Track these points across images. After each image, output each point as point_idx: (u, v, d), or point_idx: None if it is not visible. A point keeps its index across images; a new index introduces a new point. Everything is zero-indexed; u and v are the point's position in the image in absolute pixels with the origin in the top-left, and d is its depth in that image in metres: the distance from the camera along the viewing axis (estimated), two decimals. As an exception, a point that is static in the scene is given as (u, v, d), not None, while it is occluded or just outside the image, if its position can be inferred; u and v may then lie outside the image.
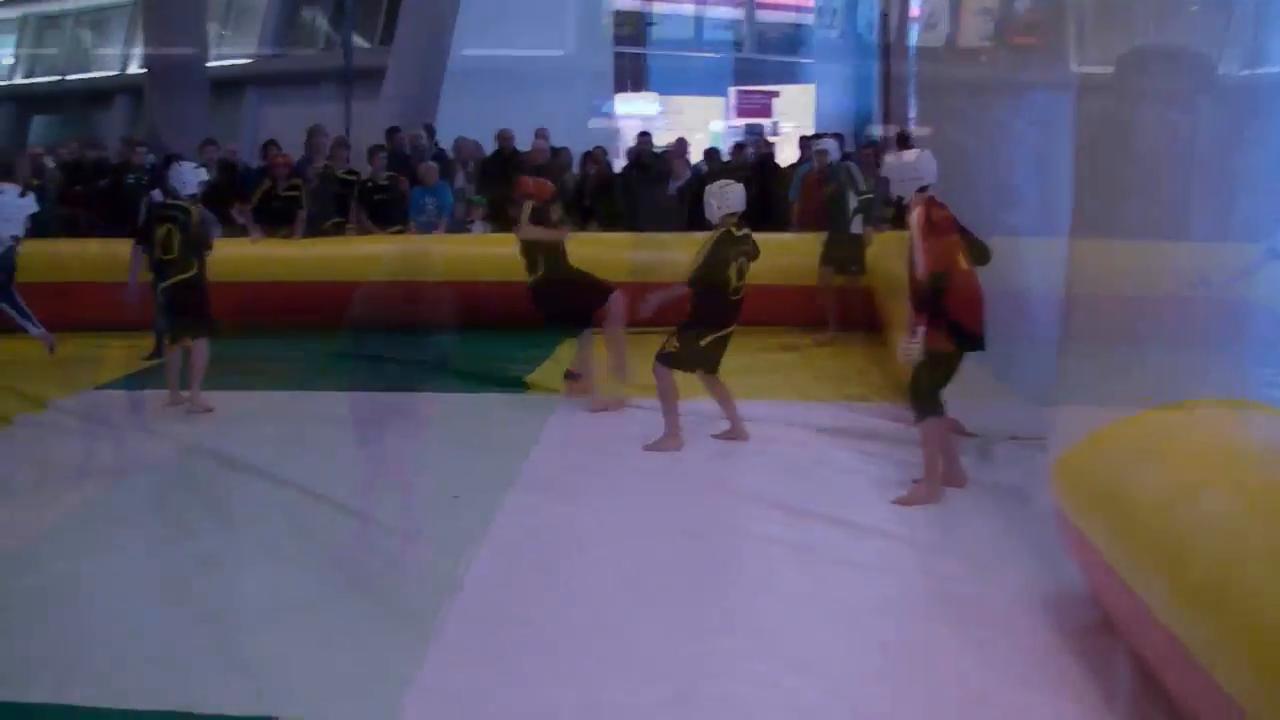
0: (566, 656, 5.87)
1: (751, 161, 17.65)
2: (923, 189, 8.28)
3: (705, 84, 35.81)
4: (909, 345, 8.03)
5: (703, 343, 9.63)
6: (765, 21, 37.93)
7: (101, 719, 5.35)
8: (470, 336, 13.43)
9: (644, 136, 17.92)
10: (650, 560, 7.12)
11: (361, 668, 5.78)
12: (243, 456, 9.32)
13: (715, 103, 35.35)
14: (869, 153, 16.55)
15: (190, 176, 11.07)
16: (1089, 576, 5.99)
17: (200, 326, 10.94)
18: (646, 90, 35.13)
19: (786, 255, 14.25)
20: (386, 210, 15.56)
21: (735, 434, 9.82)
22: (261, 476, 8.87)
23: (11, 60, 40.88)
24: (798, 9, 38.41)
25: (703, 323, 9.66)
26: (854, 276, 13.80)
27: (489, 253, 14.42)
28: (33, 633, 6.29)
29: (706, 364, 9.78)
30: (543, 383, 11.61)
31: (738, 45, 37.22)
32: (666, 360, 9.65)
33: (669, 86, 35.30)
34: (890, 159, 9.35)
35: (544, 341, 13.00)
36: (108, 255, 13.89)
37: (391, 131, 18.07)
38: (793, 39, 39.05)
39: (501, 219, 15.64)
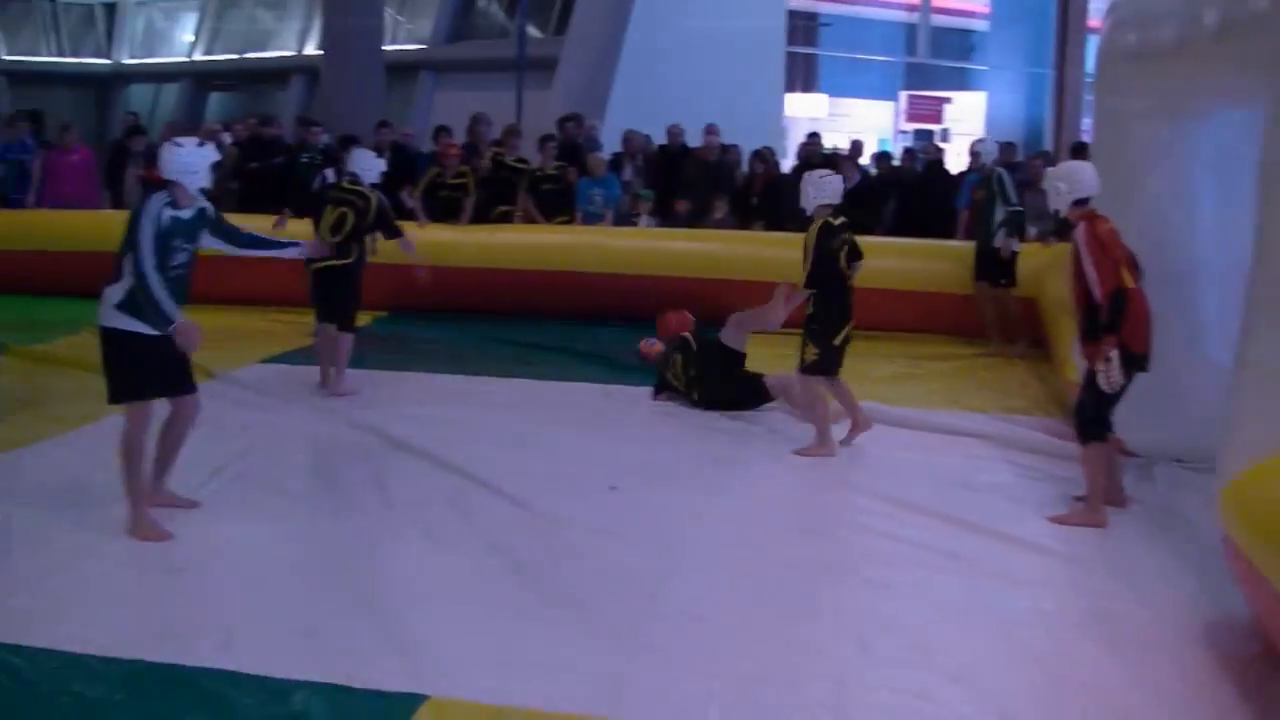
0: (722, 650, 5.88)
1: (921, 167, 17.57)
2: (1081, 202, 8.04)
3: (876, 87, 35.68)
4: (1108, 371, 7.76)
5: (836, 342, 9.55)
6: (939, 26, 37.65)
7: (259, 686, 5.44)
8: (633, 329, 13.51)
9: (813, 137, 17.89)
10: (805, 562, 7.12)
11: (517, 651, 5.84)
12: (406, 437, 9.43)
13: (885, 106, 35.19)
14: (1038, 163, 16.38)
15: (373, 165, 11.15)
16: (1256, 607, 5.88)
17: (346, 317, 11.02)
18: (816, 91, 35.06)
19: (947, 263, 14.18)
20: (554, 200, 15.66)
21: (860, 425, 9.78)
22: (424, 458, 8.97)
23: (191, 38, 41.69)
24: (971, 14, 38.10)
25: (830, 321, 9.53)
26: (1004, 290, 13.59)
27: (656, 247, 14.50)
28: (193, 597, 6.43)
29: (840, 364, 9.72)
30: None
31: (910, 49, 37.00)
32: (813, 370, 9.57)
33: (839, 88, 35.21)
34: (1049, 170, 9.19)
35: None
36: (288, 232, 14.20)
37: (564, 121, 18.18)
38: (966, 44, 38.75)
39: (668, 213, 15.72)
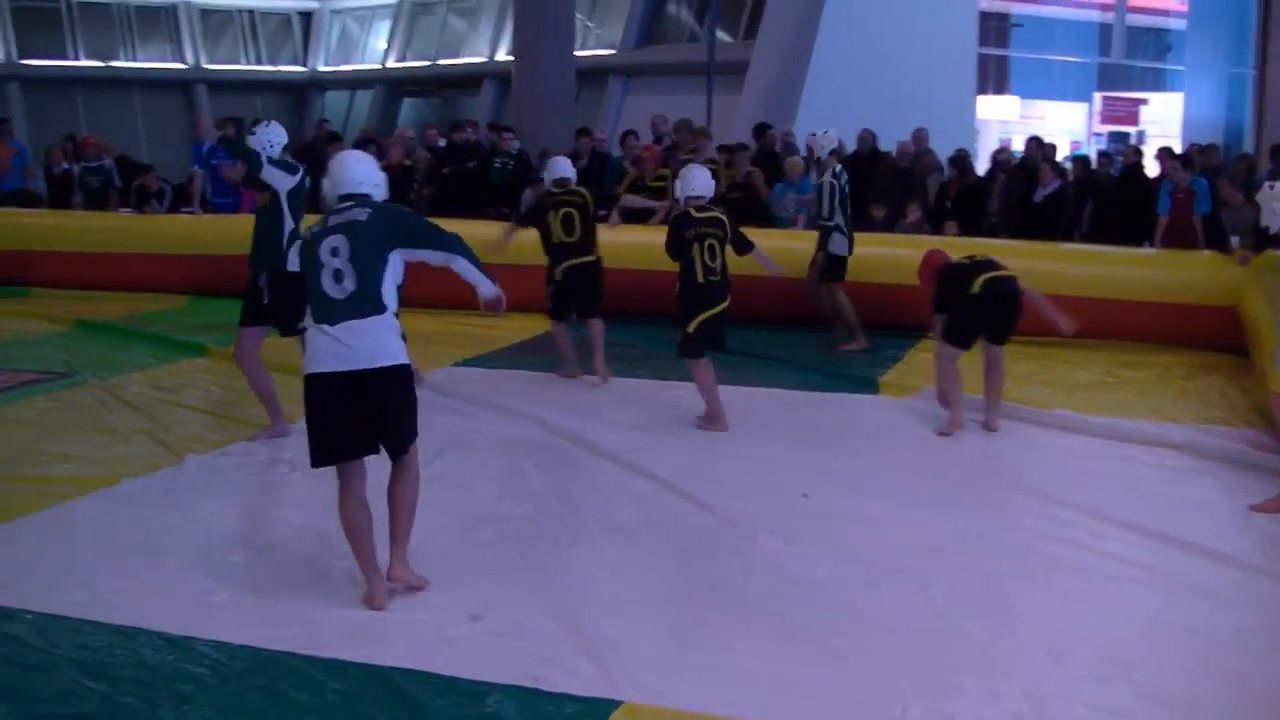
0: (913, 661, 5.87)
1: (1117, 171, 17.30)
2: None
3: (1068, 89, 35.20)
4: None
5: (690, 328, 10.08)
6: (1135, 25, 37.02)
7: (451, 687, 5.54)
8: (821, 333, 13.52)
9: (1008, 142, 17.73)
10: (997, 573, 7.06)
11: (707, 658, 5.87)
12: (599, 441, 9.53)
13: (1078, 108, 34.69)
14: (1241, 168, 16.05)
15: (568, 168, 11.67)
16: None
17: (596, 306, 11.52)
18: (1008, 93, 34.68)
19: (1143, 270, 13.97)
20: (742, 206, 15.70)
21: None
22: (616, 462, 9.06)
23: (385, 45, 42.39)
24: (1168, 13, 37.41)
25: (686, 306, 10.10)
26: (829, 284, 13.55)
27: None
28: (389, 594, 6.54)
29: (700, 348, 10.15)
30: (895, 384, 11.56)
31: (1105, 50, 36.43)
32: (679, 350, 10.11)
33: (1031, 90, 34.79)
34: (1265, 187, 9.00)
35: (896, 343, 12.99)
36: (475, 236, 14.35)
37: (761, 128, 18.21)
38: (1162, 44, 38.06)
39: (861, 218, 15.65)
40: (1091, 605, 6.66)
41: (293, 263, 9.15)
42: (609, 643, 5.96)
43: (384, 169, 16.48)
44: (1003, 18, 35.29)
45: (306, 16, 45.12)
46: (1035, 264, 13.81)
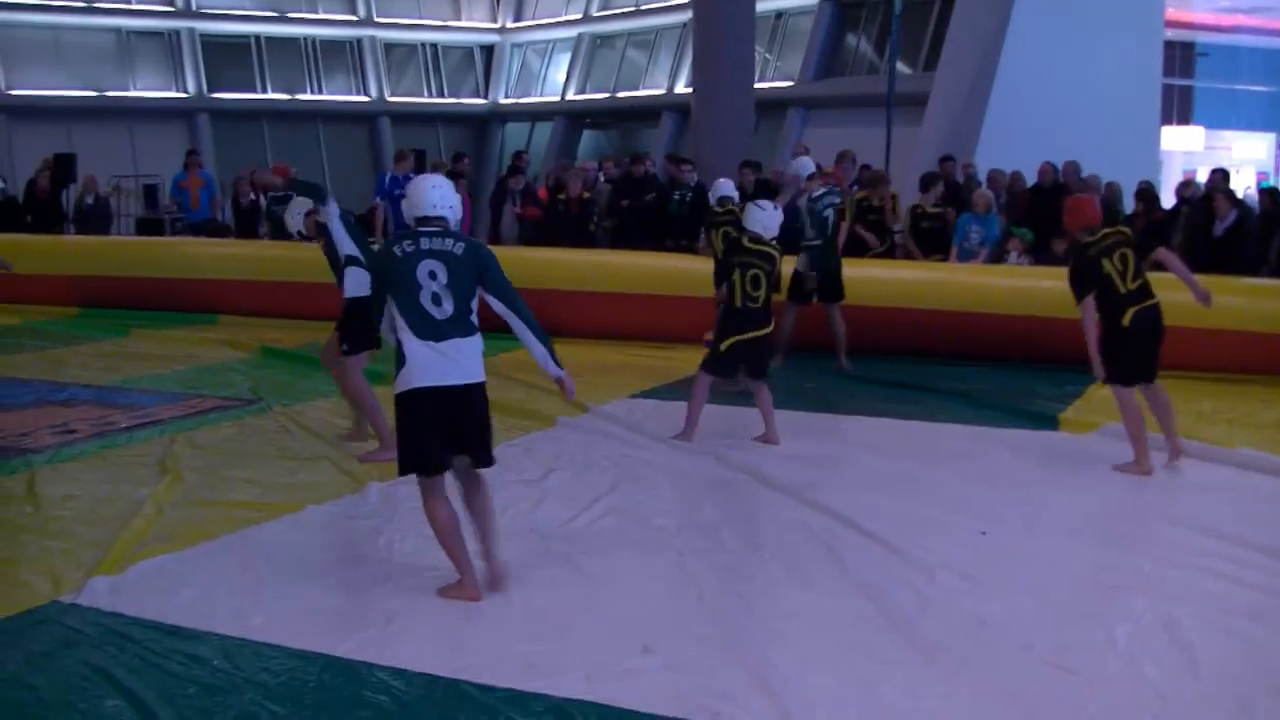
0: (1091, 705, 5.77)
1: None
2: None
3: (1255, 118, 34.55)
4: None
5: (722, 347, 10.47)
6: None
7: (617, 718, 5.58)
8: (1000, 369, 13.39)
9: (1192, 174, 17.47)
10: (1180, 616, 6.86)
11: (882, 696, 5.82)
12: (773, 474, 9.51)
13: (1264, 138, 34.03)
14: None
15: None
16: None
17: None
18: (1193, 123, 34.12)
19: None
20: (931, 238, 15.70)
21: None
22: (791, 496, 9.02)
23: (565, 78, 42.82)
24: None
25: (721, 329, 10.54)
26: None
27: (1031, 286, 14.27)
28: (559, 629, 6.58)
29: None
30: (1076, 420, 11.40)
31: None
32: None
33: (1216, 120, 34.21)
34: None
35: (1076, 379, 12.82)
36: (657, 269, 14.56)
37: (944, 160, 18.16)
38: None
39: (1043, 252, 15.52)
40: (1274, 651, 6.50)
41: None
42: (784, 679, 5.93)
43: (563, 202, 16.86)
44: (1188, 47, 34.75)
45: (488, 50, 45.80)
46: (1218, 298, 13.60)
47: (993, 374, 13.28)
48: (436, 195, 7.02)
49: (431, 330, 6.79)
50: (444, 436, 6.90)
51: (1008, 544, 8.11)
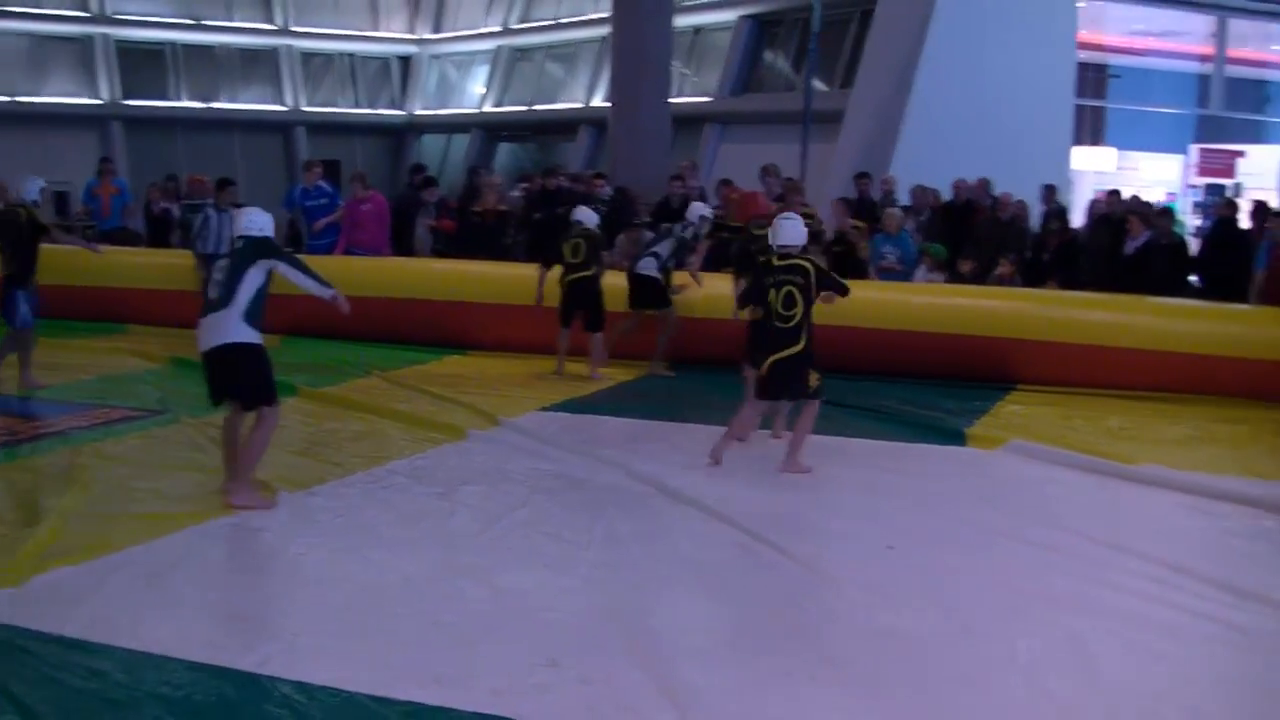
0: (998, 715, 5.83)
1: (1211, 224, 17.15)
2: None
3: (1165, 140, 34.91)
4: None
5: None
6: (1234, 76, 36.69)
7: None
8: (906, 385, 13.47)
9: (1105, 193, 17.63)
10: (1082, 631, 6.94)
11: (789, 711, 5.84)
12: (683, 488, 9.51)
13: (1174, 160, 34.40)
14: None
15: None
16: None
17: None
18: (1104, 144, 34.46)
19: (1238, 325, 13.80)
20: (840, 259, 15.71)
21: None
22: (701, 510, 9.03)
23: (483, 90, 42.77)
24: (1268, 64, 37.07)
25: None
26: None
27: (934, 303, 14.38)
28: (467, 644, 6.55)
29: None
30: (982, 436, 11.48)
31: (1203, 101, 36.14)
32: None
33: (1127, 141, 34.56)
34: None
35: (983, 395, 12.93)
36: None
37: (859, 177, 18.26)
38: (1262, 95, 37.70)
39: (952, 269, 15.62)
40: (1177, 664, 6.56)
41: None
42: (692, 691, 5.94)
43: (478, 214, 16.80)
44: (1100, 68, 35.08)
45: (405, 61, 45.69)
46: (1130, 317, 13.76)
47: (899, 390, 13.34)
48: (244, 220, 9.24)
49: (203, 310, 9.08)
50: (210, 384, 9.13)
51: (915, 558, 8.16)
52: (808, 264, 10.28)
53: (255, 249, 9.04)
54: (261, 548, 8.20)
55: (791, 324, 10.13)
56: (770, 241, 10.51)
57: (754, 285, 10.30)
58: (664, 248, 14.21)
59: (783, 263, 10.23)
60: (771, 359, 10.23)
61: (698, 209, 14.69)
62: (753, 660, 6.44)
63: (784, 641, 6.71)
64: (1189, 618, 7.20)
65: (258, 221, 9.19)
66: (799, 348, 10.18)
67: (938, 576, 7.83)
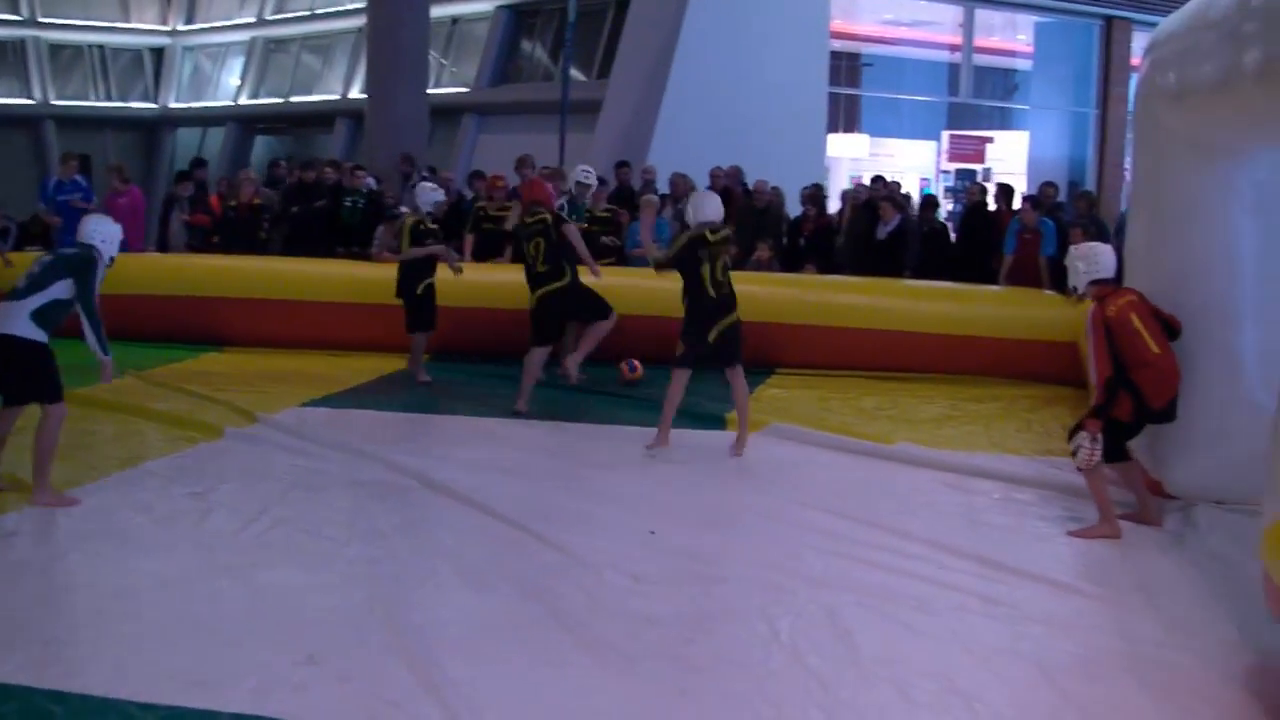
0: (757, 698, 5.88)
1: (963, 209, 17.54)
2: (1096, 282, 8.57)
3: (917, 127, 35.62)
4: (1090, 451, 8.33)
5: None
6: (982, 65, 37.61)
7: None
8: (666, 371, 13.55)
9: (858, 179, 17.91)
10: (840, 606, 7.08)
11: (552, 698, 5.86)
12: (445, 480, 9.47)
13: (927, 146, 35.13)
14: (1082, 204, 16.28)
15: (430, 196, 12.92)
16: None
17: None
18: (858, 131, 35.05)
19: (991, 307, 14.17)
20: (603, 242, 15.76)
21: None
22: (462, 501, 9.02)
23: (238, 82, 42.05)
24: (1014, 54, 38.04)
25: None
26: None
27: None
28: (229, 644, 6.43)
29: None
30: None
31: (953, 89, 36.98)
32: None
33: (881, 128, 35.19)
34: (1070, 249, 9.29)
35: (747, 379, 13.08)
36: (325, 276, 14.37)
37: (619, 165, 18.33)
38: (1009, 84, 38.68)
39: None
40: (933, 636, 6.72)
41: None
42: (453, 683, 5.92)
43: (234, 208, 16.49)
44: (854, 57, 35.65)
45: (158, 53, 44.62)
46: (884, 300, 14.04)
47: (661, 376, 13.40)
48: (90, 226, 9.05)
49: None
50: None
51: (676, 542, 8.24)
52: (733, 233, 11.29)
53: (78, 264, 8.82)
54: (11, 554, 7.91)
55: (725, 291, 10.59)
56: (690, 218, 10.79)
57: (686, 255, 10.59)
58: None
59: (715, 237, 10.59)
60: (720, 326, 10.61)
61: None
62: (516, 650, 6.42)
63: (547, 630, 6.71)
64: (941, 590, 7.40)
65: (100, 231, 9.02)
66: (737, 314, 10.73)
67: (699, 560, 7.91)
